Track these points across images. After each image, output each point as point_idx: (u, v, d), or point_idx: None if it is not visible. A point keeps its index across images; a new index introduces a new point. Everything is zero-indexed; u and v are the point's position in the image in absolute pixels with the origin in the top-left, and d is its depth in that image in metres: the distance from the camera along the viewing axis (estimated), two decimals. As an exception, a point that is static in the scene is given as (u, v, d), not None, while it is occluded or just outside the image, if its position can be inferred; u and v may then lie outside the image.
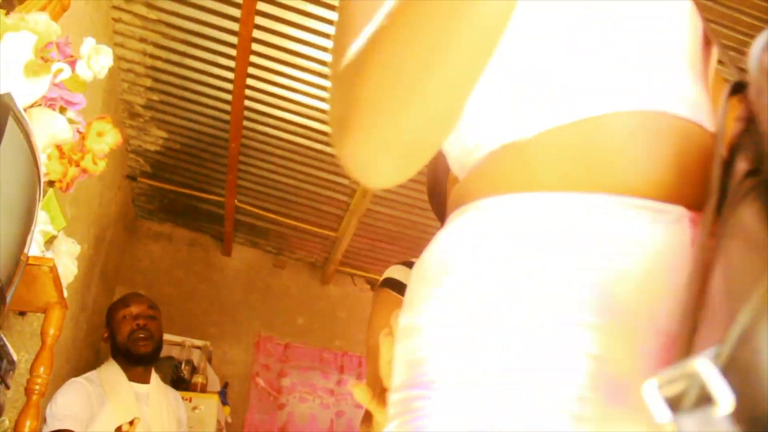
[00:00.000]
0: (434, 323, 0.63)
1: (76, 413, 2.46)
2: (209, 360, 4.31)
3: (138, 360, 2.66)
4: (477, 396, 0.58)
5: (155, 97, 3.75)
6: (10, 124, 1.25)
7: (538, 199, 0.62)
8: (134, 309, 2.74)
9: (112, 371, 2.66)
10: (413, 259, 1.43)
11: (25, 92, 1.34)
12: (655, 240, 0.59)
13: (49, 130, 1.50)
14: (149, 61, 3.50)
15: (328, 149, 3.90)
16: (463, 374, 0.59)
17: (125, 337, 2.67)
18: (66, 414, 2.45)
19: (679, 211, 0.61)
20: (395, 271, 1.47)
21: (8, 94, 1.24)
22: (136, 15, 3.24)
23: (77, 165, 1.91)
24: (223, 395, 4.27)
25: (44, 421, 2.41)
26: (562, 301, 0.57)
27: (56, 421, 2.41)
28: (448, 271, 0.65)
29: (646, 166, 0.63)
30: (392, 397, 0.67)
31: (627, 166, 0.63)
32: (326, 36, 3.15)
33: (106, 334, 2.78)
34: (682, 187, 0.62)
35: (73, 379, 2.62)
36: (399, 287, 1.43)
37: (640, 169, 0.62)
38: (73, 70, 1.52)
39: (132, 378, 2.66)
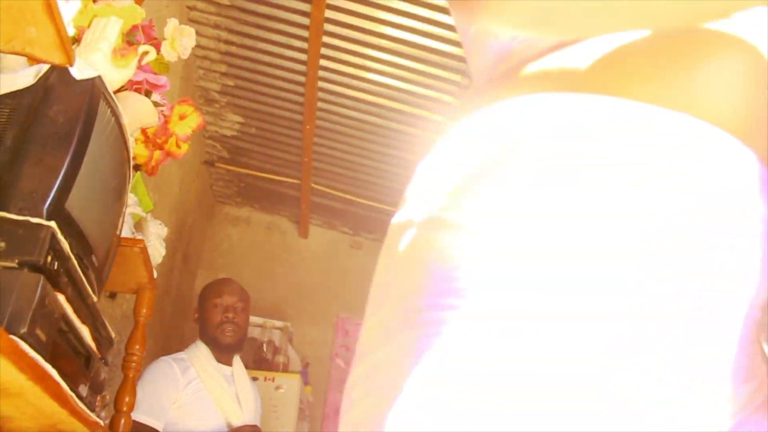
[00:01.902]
0: (485, 221, 0.52)
1: (161, 393, 2.53)
2: (290, 341, 4.37)
3: (223, 348, 2.73)
4: (517, 325, 0.47)
5: (230, 82, 3.80)
6: (102, 107, 1.27)
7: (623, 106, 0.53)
8: (226, 300, 2.79)
9: (201, 352, 2.73)
10: None
11: (113, 76, 1.37)
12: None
13: (136, 113, 1.52)
14: (223, 47, 3.54)
15: (402, 128, 3.88)
16: (511, 294, 0.48)
17: (213, 326, 2.74)
18: (152, 391, 2.52)
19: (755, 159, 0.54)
20: None
21: (99, 78, 1.27)
22: (210, 2, 3.28)
23: (161, 148, 1.94)
24: (305, 375, 4.33)
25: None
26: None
27: (147, 397, 2.49)
28: (517, 157, 0.53)
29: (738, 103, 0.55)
30: (399, 306, 0.55)
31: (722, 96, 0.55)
32: (398, 13, 3.12)
33: (196, 315, 2.85)
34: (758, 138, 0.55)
35: (162, 358, 2.70)
36: None
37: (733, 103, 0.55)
38: (158, 51, 1.54)
39: (218, 359, 2.72)
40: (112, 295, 2.81)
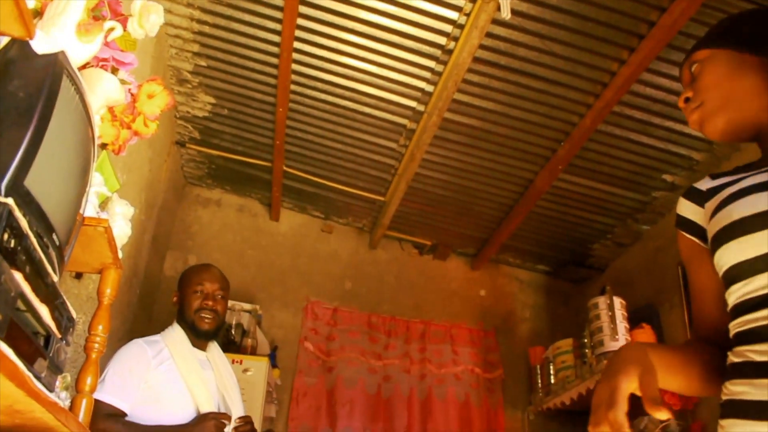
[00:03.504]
0: None
1: (130, 375, 2.50)
2: (259, 324, 4.36)
3: (200, 334, 2.72)
4: None
5: (203, 62, 3.75)
6: (65, 83, 1.25)
7: None
8: (207, 287, 2.77)
9: (177, 335, 2.71)
10: (697, 185, 1.29)
11: (77, 51, 1.34)
12: None
13: (102, 90, 1.49)
14: (196, 26, 3.49)
15: (376, 113, 3.87)
16: None
17: (192, 311, 2.73)
18: (124, 372, 2.50)
19: None
20: (684, 207, 1.32)
21: (62, 53, 1.24)
22: (183, -21, 3.23)
23: (129, 127, 1.91)
24: (273, 358, 4.33)
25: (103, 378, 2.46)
26: None
27: (115, 378, 2.47)
28: None
29: None
30: None
31: None
32: (374, -4, 3.11)
33: (175, 298, 2.83)
34: None
35: (135, 340, 2.68)
36: (690, 226, 1.30)
37: None
38: (125, 28, 1.51)
39: (193, 344, 2.71)
40: (78, 276, 2.77)
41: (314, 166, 4.50)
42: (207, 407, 2.53)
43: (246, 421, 2.63)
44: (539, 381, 4.81)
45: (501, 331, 5.22)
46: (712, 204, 1.22)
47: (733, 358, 1.14)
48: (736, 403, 1.10)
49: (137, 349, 2.61)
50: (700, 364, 1.23)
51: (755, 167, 1.21)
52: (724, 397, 1.14)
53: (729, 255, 1.13)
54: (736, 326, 1.14)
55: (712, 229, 1.19)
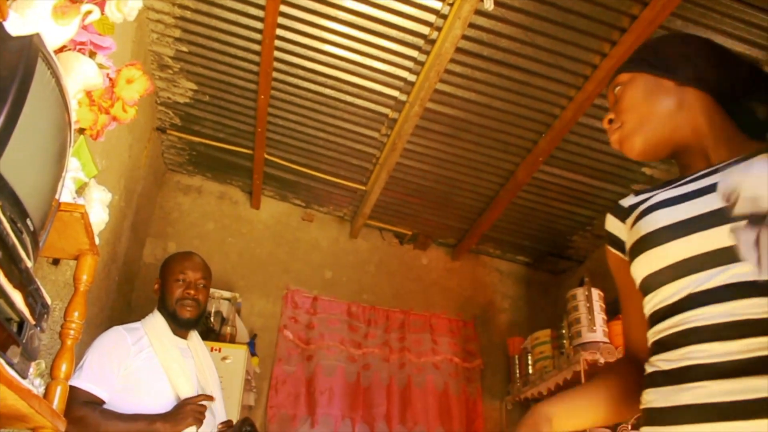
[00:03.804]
0: None
1: (108, 362, 2.49)
2: (238, 312, 4.34)
3: (181, 323, 2.70)
4: None
5: (184, 48, 3.72)
6: (40, 66, 1.23)
7: None
8: (189, 275, 2.75)
9: (157, 323, 2.69)
10: (621, 202, 1.36)
11: (54, 34, 1.32)
12: None
13: (79, 74, 1.48)
14: (178, 11, 3.46)
15: (358, 101, 3.86)
16: None
17: (173, 300, 2.71)
18: (102, 358, 2.48)
19: None
20: (610, 223, 1.38)
21: (37, 35, 1.22)
22: (164, -37, 3.20)
23: (107, 112, 1.90)
24: (252, 346, 4.32)
25: (81, 365, 2.44)
26: None
27: (94, 365, 2.45)
28: None
29: None
30: None
31: None
32: (357, -16, 3.10)
33: (156, 286, 2.81)
34: None
35: (114, 327, 2.66)
36: (615, 241, 1.36)
37: None
38: (103, 11, 1.50)
39: (174, 332, 2.70)
40: (56, 262, 2.74)
41: (296, 155, 4.48)
42: (187, 395, 2.52)
43: (228, 425, 2.63)
44: (517, 371, 4.84)
45: (480, 321, 5.24)
46: (630, 219, 1.28)
47: (648, 368, 1.20)
48: (647, 411, 1.16)
49: (117, 336, 2.59)
50: (618, 390, 1.32)
51: (672, 183, 1.27)
52: (640, 407, 1.20)
53: (641, 267, 1.20)
54: (650, 336, 1.21)
55: (628, 244, 1.27)
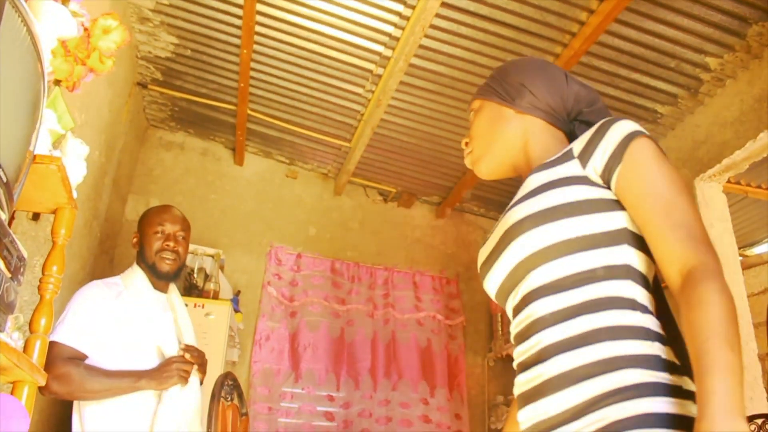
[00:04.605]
0: None
1: (89, 317, 2.47)
2: (221, 268, 4.34)
3: (161, 275, 2.68)
4: None
5: (164, 0, 3.64)
6: (9, 13, 1.19)
7: None
8: (168, 228, 2.73)
9: (137, 277, 2.67)
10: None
11: (24, -20, 1.28)
12: None
13: (51, 22, 1.44)
14: (158, -39, 3.38)
15: (342, 56, 3.80)
16: None
17: (153, 253, 2.68)
18: (85, 310, 2.46)
19: None
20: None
21: (6, -20, 1.19)
22: None
23: (83, 63, 1.85)
24: (235, 302, 4.33)
25: (61, 319, 2.43)
26: None
27: (74, 320, 2.43)
28: None
29: None
30: None
31: None
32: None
33: (135, 240, 2.78)
34: None
35: (93, 282, 2.64)
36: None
37: None
38: (75, -43, 1.45)
39: (154, 286, 2.68)
40: (35, 217, 2.70)
41: (279, 110, 4.43)
42: (168, 349, 2.52)
43: (195, 350, 2.59)
44: (500, 329, 4.89)
45: (463, 279, 5.27)
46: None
47: None
48: None
49: (96, 291, 2.57)
50: None
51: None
52: None
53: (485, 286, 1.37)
54: None
55: None
